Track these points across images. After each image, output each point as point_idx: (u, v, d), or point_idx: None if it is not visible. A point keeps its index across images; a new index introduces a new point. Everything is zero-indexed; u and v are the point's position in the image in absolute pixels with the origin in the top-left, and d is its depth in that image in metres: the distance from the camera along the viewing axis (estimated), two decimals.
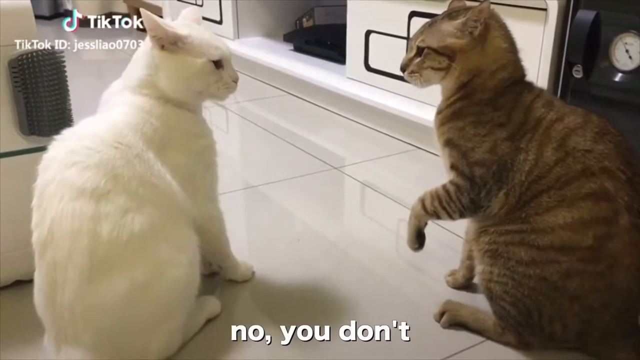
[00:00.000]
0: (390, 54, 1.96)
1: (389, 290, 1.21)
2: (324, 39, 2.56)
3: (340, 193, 1.73)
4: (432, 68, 0.98)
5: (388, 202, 1.58)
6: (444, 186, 1.01)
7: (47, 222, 0.86)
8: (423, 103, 1.83)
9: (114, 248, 0.85)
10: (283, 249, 1.36)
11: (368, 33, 2.03)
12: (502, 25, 0.97)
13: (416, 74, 1.00)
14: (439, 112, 1.02)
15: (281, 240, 1.40)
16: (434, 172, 1.73)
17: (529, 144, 0.93)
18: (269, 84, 2.57)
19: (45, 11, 4.01)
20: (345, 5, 2.14)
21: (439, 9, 1.66)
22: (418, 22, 1.79)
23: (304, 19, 2.83)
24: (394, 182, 1.73)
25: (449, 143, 0.99)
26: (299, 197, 1.63)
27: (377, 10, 1.98)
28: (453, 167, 0.99)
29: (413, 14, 1.82)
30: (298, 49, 2.64)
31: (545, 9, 1.41)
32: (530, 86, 0.99)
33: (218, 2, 2.85)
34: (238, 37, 2.83)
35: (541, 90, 1.00)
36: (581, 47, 1.32)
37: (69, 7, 4.00)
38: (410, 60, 1.00)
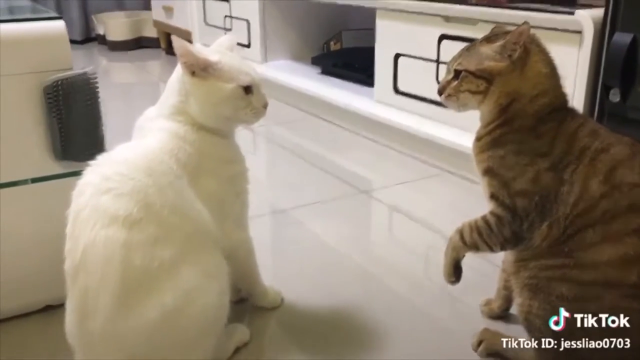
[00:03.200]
0: (420, 77, 1.95)
1: (422, 318, 1.18)
2: (351, 62, 2.56)
3: (368, 217, 1.71)
4: (470, 91, 0.96)
5: (418, 228, 1.56)
6: (483, 217, 0.97)
7: (80, 249, 0.86)
8: (453, 126, 1.82)
9: (145, 274, 0.85)
10: (312, 274, 1.34)
11: (397, 56, 2.03)
12: (542, 50, 0.95)
13: (453, 98, 0.98)
14: (478, 139, 1.00)
15: (310, 265, 1.38)
16: (465, 196, 1.72)
17: (573, 176, 0.89)
18: (296, 107, 2.57)
19: (77, 36, 4.10)
20: (373, 29, 2.15)
21: (469, 32, 1.66)
22: (448, 45, 1.80)
23: (332, 43, 2.85)
24: (424, 207, 1.70)
25: (488, 172, 0.96)
26: (327, 221, 1.62)
27: (407, 33, 1.97)
28: (493, 197, 0.96)
29: (443, 37, 1.81)
30: (326, 72, 2.65)
31: (580, 32, 1.39)
32: (573, 113, 0.96)
33: (246, 26, 2.88)
34: (266, 61, 2.85)
35: (585, 118, 0.96)
36: (618, 70, 1.29)
37: (100, 31, 4.08)
38: (448, 83, 0.98)
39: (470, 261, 1.08)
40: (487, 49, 0.94)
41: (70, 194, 0.90)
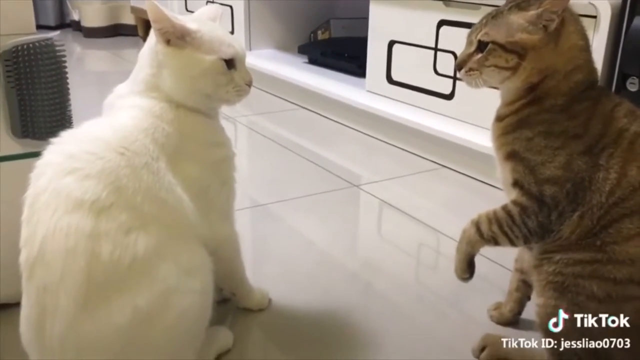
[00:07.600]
0: (416, 66, 1.85)
1: (419, 325, 1.08)
2: (341, 51, 2.46)
3: (357, 214, 1.60)
4: (497, 66, 0.84)
5: (411, 226, 1.45)
6: (504, 207, 0.87)
7: (38, 239, 0.74)
8: (450, 118, 1.72)
9: (114, 271, 0.73)
10: (297, 274, 1.23)
11: (391, 43, 1.92)
12: (576, 19, 0.85)
13: (475, 73, 0.86)
14: (499, 119, 0.89)
15: (299, 264, 1.27)
16: (462, 192, 1.62)
17: (610, 160, 0.80)
18: (281, 98, 2.46)
19: (51, 21, 3.95)
20: (363, 18, 2.04)
21: (472, 17, 1.56)
22: (448, 32, 1.69)
23: (319, 32, 2.74)
24: (418, 204, 1.60)
25: (513, 156, 0.85)
26: (314, 217, 1.51)
27: (402, 19, 1.87)
28: (517, 183, 0.85)
29: (442, 23, 1.71)
30: (313, 61, 2.54)
31: (595, 16, 1.30)
32: (606, 92, 0.87)
33: (230, 12, 2.76)
34: (250, 49, 2.73)
35: (621, 98, 0.87)
36: (637, 57, 1.20)
37: (75, 17, 3.92)
38: (469, 56, 0.87)
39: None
40: (519, 18, 0.83)
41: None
